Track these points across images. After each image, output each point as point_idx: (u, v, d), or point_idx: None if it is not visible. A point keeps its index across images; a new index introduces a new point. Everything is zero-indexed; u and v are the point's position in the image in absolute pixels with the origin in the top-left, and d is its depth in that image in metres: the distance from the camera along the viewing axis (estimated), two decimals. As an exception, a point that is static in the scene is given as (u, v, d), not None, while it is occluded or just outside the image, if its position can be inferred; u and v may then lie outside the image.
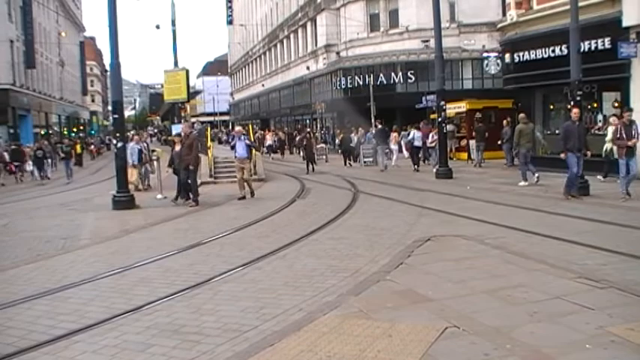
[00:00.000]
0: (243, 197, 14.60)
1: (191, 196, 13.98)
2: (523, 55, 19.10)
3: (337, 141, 32.51)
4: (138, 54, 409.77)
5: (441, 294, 5.63)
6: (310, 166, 22.95)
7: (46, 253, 9.11)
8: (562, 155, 12.64)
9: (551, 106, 19.84)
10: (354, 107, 33.75)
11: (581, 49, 13.65)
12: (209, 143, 22.33)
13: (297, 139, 34.59)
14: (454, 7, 32.82)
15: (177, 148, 14.23)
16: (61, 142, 34.64)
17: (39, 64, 46.43)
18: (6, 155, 26.83)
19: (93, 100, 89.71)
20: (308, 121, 45.65)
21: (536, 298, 5.36)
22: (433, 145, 20.95)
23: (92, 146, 47.66)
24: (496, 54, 26.21)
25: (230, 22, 63.87)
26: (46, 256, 8.81)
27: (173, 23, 18.44)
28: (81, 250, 9.23)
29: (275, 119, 56.41)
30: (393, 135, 24.86)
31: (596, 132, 16.93)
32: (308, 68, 43.31)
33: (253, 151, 21.78)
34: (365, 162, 25.04)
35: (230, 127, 68.21)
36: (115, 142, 14.60)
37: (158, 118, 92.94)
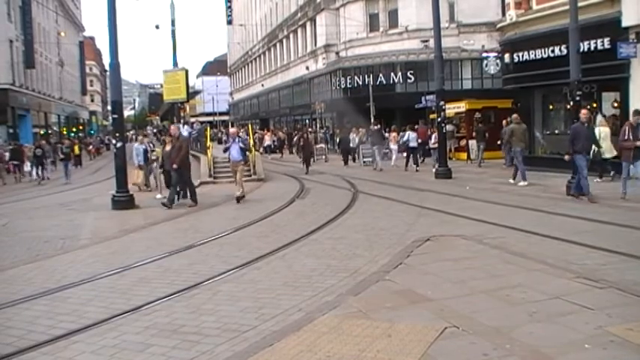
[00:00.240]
0: (243, 197, 14.50)
1: (180, 196, 13.93)
2: (522, 55, 19.10)
3: (337, 140, 32.54)
4: (137, 54, 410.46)
5: (441, 294, 5.63)
6: (307, 167, 22.75)
7: (45, 253, 9.11)
8: (566, 157, 12.43)
9: (551, 106, 19.84)
10: (354, 107, 33.71)
11: (581, 50, 13.64)
12: (208, 143, 22.32)
13: (295, 139, 34.58)
14: (454, 7, 32.81)
15: (168, 148, 14.25)
16: (60, 142, 34.59)
17: (38, 64, 46.41)
18: (6, 155, 26.84)
19: (92, 100, 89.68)
20: (307, 121, 45.63)
21: (536, 298, 5.36)
22: (435, 146, 20.99)
23: (91, 146, 47.60)
24: (495, 54, 26.21)
25: (230, 22, 63.75)
26: (45, 256, 8.82)
27: (173, 23, 18.48)
28: (80, 250, 9.23)
29: (274, 119, 56.39)
30: (393, 135, 24.89)
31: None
32: (307, 68, 43.29)
33: (253, 152, 21.96)
34: (364, 162, 25.05)
35: (230, 126, 68.21)
36: (114, 142, 14.59)
37: (157, 118, 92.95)
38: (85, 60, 71.92)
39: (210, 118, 71.68)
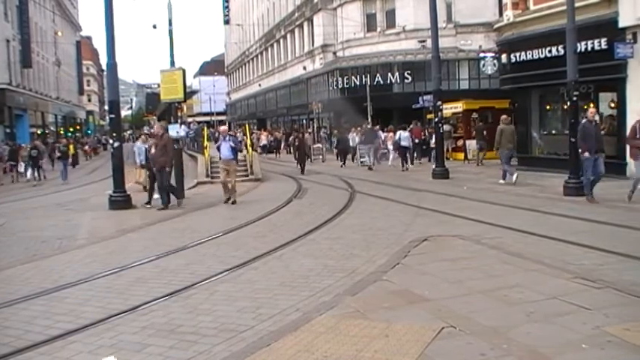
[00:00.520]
0: (229, 199, 14.10)
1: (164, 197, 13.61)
2: (520, 56, 19.12)
3: (334, 141, 32.53)
4: (134, 53, 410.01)
5: (438, 294, 5.63)
6: (302, 167, 22.53)
7: (42, 253, 9.08)
8: (586, 154, 11.93)
9: (548, 107, 19.87)
10: (351, 107, 33.71)
11: (578, 50, 13.65)
12: (205, 143, 22.31)
13: (290, 139, 34.52)
14: (451, 8, 32.85)
15: (153, 150, 13.68)
16: (58, 142, 34.51)
17: (35, 64, 46.33)
18: (6, 155, 26.79)
19: (89, 100, 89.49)
20: (305, 121, 45.64)
21: (533, 298, 5.37)
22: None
23: (86, 146, 47.45)
24: (493, 54, 26.27)
25: (227, 22, 63.73)
26: (43, 256, 8.79)
27: (170, 23, 18.37)
28: (77, 250, 9.20)
29: (272, 119, 56.40)
30: (389, 135, 24.92)
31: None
32: (305, 68, 43.29)
33: (251, 151, 21.95)
34: (361, 162, 25.08)
35: (227, 126, 68.09)
36: (111, 141, 14.55)
37: (155, 117, 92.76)
38: (82, 60, 71.82)
39: (208, 118, 71.61)
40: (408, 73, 33.96)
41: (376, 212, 11.65)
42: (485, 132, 21.91)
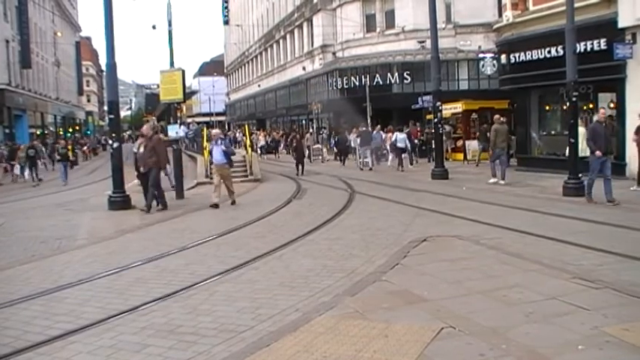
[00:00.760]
0: (217, 205, 13.26)
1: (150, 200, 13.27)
2: (519, 56, 19.14)
3: (333, 141, 32.53)
4: (134, 54, 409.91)
5: (437, 294, 5.64)
6: (300, 168, 22.26)
7: (41, 253, 9.09)
8: (597, 153, 11.74)
9: (547, 107, 19.88)
10: (351, 108, 33.72)
11: (577, 50, 13.66)
12: (205, 144, 22.30)
13: (288, 139, 34.45)
14: (450, 8, 32.86)
15: (141, 150, 13.33)
16: (56, 143, 34.46)
17: (34, 64, 46.32)
18: (6, 155, 26.77)
19: (89, 100, 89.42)
20: (304, 121, 45.62)
21: (532, 298, 5.38)
22: None
23: (85, 147, 47.36)
24: (492, 55, 26.26)
25: (226, 23, 63.75)
26: (42, 257, 8.80)
27: (169, 23, 18.32)
28: (77, 251, 9.21)
29: (271, 120, 56.40)
30: (388, 135, 24.92)
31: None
32: (304, 69, 43.29)
33: (250, 152, 21.95)
34: (363, 163, 25.03)
35: (226, 127, 68.18)
36: (110, 142, 14.53)
37: (154, 118, 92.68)
38: (81, 60, 71.75)
39: (207, 119, 71.55)
40: (407, 74, 33.96)
41: (375, 212, 11.66)
42: (488, 134, 21.92)
